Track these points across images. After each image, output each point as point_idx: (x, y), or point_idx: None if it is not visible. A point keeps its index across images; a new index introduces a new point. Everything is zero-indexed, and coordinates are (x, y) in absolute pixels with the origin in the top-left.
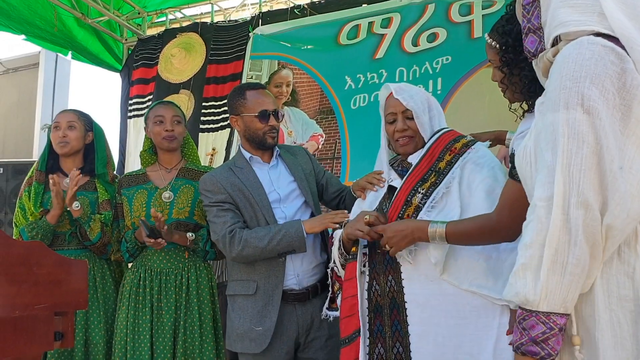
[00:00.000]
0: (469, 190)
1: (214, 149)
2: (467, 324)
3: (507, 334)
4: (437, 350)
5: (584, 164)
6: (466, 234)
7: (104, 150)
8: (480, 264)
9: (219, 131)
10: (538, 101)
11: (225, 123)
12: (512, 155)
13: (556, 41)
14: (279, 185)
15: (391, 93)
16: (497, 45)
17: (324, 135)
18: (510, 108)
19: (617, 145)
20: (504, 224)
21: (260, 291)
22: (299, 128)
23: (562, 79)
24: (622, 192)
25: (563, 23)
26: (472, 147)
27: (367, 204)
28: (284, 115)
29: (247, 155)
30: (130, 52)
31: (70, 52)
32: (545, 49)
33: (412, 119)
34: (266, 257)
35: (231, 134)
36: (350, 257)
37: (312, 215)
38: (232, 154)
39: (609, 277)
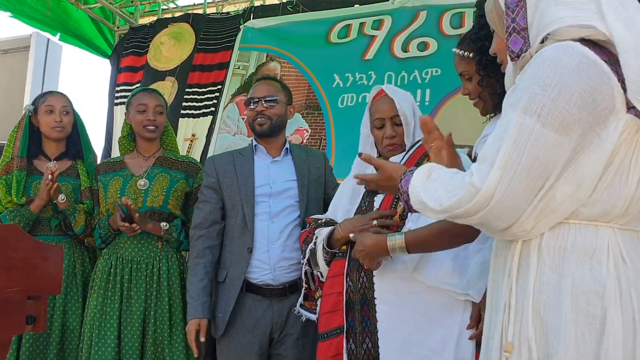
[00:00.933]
0: None
1: (193, 135)
2: (433, 321)
3: (467, 328)
4: (404, 347)
5: (518, 173)
6: (425, 240)
7: (87, 135)
8: (448, 262)
9: (201, 117)
10: (509, 92)
11: (208, 110)
12: (476, 158)
13: (543, 41)
14: (275, 180)
15: (381, 92)
16: (472, 54)
17: (309, 130)
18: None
19: (562, 162)
20: (460, 226)
21: (228, 279)
22: None
23: (534, 81)
24: (539, 210)
25: (558, 19)
26: None
27: (346, 199)
28: (276, 100)
29: (254, 143)
30: (121, 39)
31: (59, 33)
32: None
33: (400, 125)
34: None
35: (213, 121)
36: (340, 254)
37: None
38: (213, 141)
39: (578, 294)
